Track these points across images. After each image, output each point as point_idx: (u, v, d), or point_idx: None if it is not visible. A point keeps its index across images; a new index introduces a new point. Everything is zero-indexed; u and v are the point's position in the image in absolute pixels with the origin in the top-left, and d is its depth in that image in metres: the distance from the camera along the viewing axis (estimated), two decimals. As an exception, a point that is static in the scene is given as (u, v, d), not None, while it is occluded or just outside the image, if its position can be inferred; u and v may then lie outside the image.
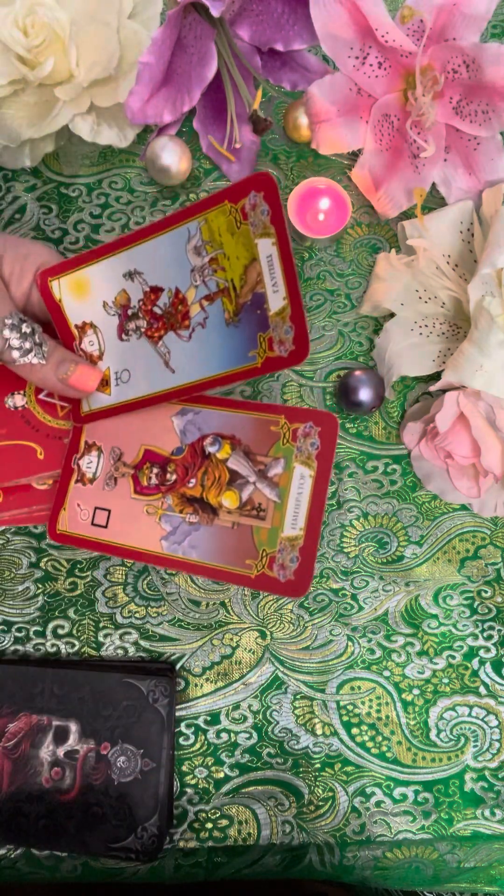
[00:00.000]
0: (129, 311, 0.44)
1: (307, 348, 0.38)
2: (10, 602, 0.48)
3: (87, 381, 0.44)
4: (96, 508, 0.46)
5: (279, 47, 0.53)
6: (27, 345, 0.42)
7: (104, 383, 0.45)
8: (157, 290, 0.43)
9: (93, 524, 0.45)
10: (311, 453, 0.41)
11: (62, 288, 0.45)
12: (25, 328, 0.42)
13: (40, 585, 0.48)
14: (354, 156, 0.55)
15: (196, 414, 0.44)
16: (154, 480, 0.45)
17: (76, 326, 0.46)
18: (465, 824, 0.45)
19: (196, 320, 0.42)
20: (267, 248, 0.38)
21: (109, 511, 0.45)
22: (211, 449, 0.43)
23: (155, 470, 0.45)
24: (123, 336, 0.44)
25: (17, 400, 0.48)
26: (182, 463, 0.44)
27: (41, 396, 0.48)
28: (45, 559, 0.49)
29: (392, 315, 0.50)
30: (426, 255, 0.48)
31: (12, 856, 0.44)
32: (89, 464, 0.46)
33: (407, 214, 0.54)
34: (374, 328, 0.52)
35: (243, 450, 0.43)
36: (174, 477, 0.44)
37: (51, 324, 0.46)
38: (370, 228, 0.54)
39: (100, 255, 0.44)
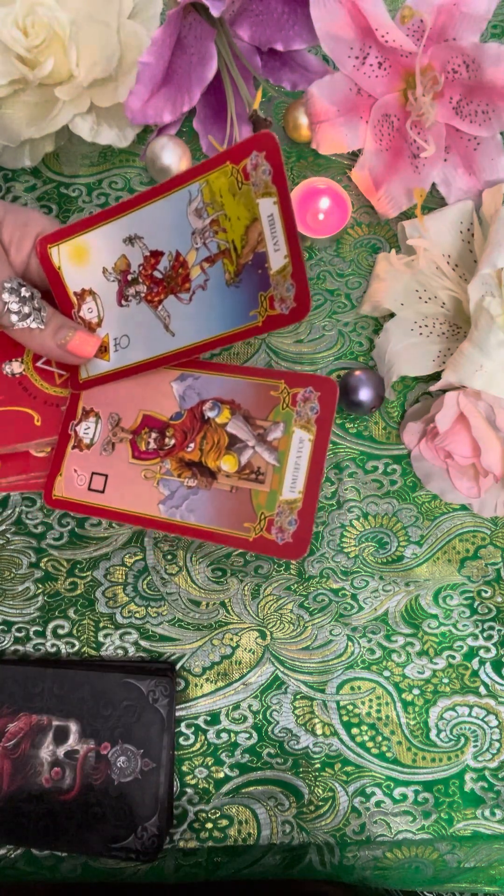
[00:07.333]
0: (129, 277, 0.44)
1: (308, 304, 0.38)
2: (10, 602, 0.48)
3: (86, 348, 0.44)
4: (93, 473, 0.45)
5: (279, 47, 0.53)
6: (26, 309, 0.42)
7: (103, 350, 0.45)
8: (157, 255, 0.42)
9: (90, 489, 0.45)
10: (310, 417, 0.41)
11: (61, 255, 0.44)
12: (25, 292, 0.42)
13: (40, 585, 0.48)
14: (354, 156, 0.55)
15: (196, 379, 0.44)
16: (152, 445, 0.45)
17: (75, 294, 0.45)
18: (465, 824, 0.45)
19: (197, 283, 0.42)
20: (268, 207, 0.38)
21: (107, 476, 0.45)
22: (210, 414, 0.43)
23: (153, 435, 0.45)
24: (123, 302, 0.44)
25: (15, 367, 0.48)
26: (181, 427, 0.44)
27: (39, 364, 0.48)
28: (45, 559, 0.49)
29: (392, 315, 0.50)
30: (426, 255, 0.48)
31: (12, 856, 0.44)
32: (87, 430, 0.46)
33: (407, 214, 0.54)
34: (374, 328, 0.52)
35: (243, 414, 0.43)
36: (173, 441, 0.44)
37: (49, 293, 0.46)
38: (370, 228, 0.54)
39: (99, 221, 0.43)
